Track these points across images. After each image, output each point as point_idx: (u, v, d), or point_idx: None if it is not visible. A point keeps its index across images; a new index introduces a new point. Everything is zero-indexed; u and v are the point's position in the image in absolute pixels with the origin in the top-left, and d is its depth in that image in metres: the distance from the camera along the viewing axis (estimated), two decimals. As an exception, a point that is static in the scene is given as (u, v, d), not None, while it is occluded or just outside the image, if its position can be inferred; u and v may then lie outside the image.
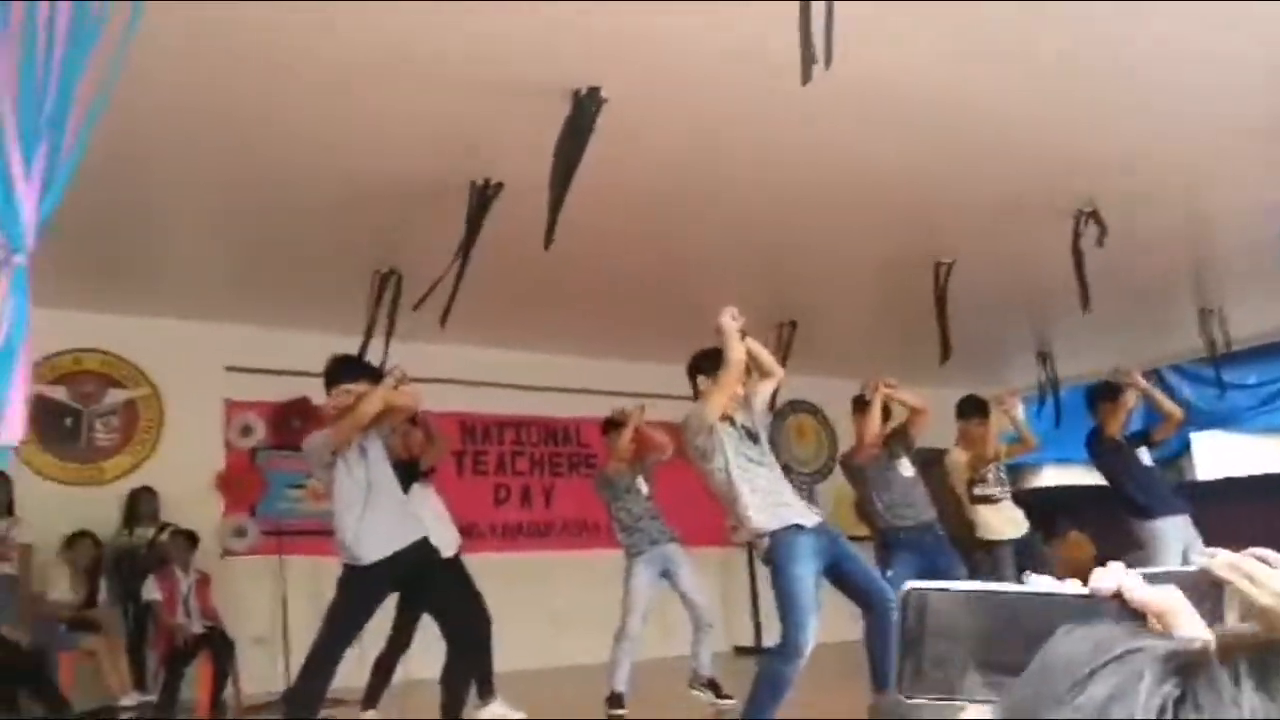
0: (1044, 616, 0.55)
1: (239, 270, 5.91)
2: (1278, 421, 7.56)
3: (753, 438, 3.87)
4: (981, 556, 5.58)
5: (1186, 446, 8.62)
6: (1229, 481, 7.58)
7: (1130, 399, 5.55)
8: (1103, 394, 5.60)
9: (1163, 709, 0.37)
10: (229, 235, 5.30)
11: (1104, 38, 3.51)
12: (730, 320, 3.71)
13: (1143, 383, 5.47)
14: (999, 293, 6.27)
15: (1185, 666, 0.39)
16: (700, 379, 4.01)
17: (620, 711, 5.09)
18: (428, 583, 4.12)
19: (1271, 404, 7.53)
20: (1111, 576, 0.55)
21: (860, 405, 5.18)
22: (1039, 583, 0.59)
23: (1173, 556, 5.00)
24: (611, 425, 5.48)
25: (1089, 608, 0.55)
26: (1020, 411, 5.57)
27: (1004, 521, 5.54)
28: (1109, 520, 5.76)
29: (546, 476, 7.82)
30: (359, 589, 3.89)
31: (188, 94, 3.69)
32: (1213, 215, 5.30)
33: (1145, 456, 5.63)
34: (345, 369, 4.10)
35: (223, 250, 5.56)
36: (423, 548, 4.02)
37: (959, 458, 5.64)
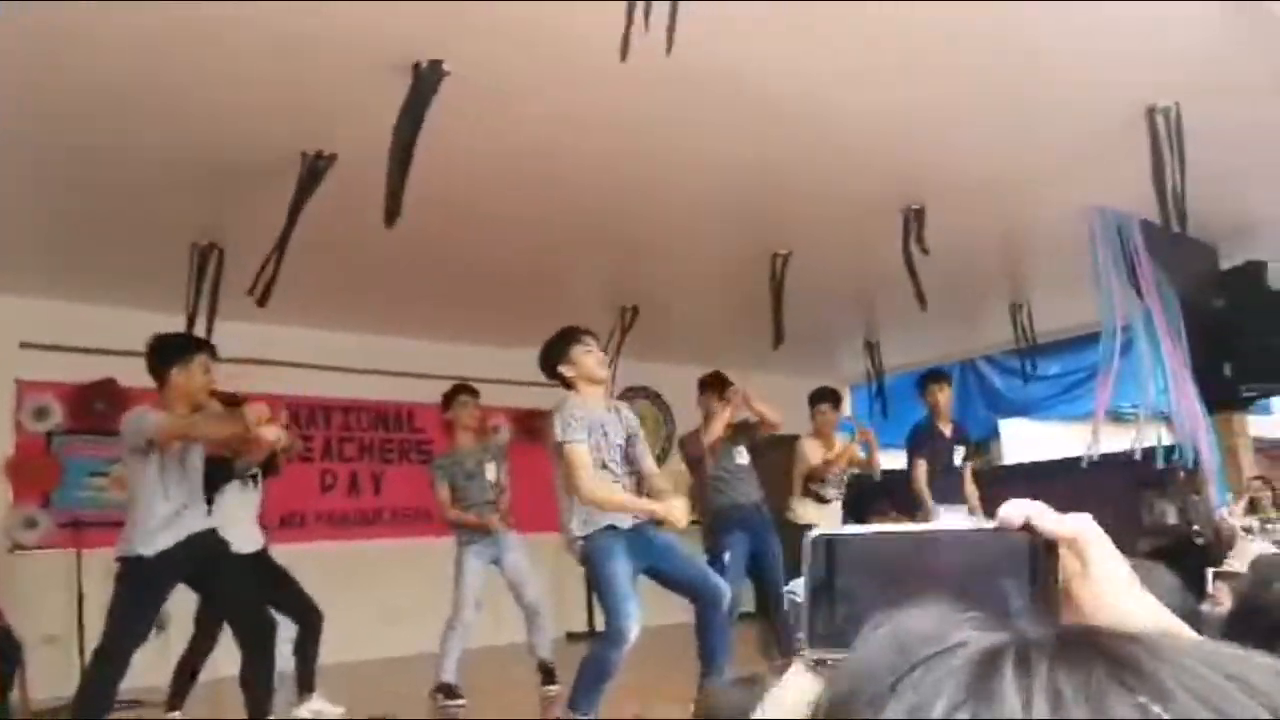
0: (952, 554, 0.54)
1: (39, 240, 5.40)
2: (1077, 410, 8.14)
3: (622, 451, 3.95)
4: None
5: (995, 432, 9.22)
6: (1033, 465, 8.11)
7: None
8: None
9: None
10: (29, 203, 4.82)
11: (945, 43, 3.63)
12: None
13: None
14: (830, 284, 6.46)
15: (985, 675, 0.33)
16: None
17: (454, 702, 4.99)
18: (216, 579, 3.99)
19: (1071, 393, 8.10)
20: (1020, 507, 0.53)
21: (706, 388, 5.35)
22: (947, 519, 0.56)
23: None
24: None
25: (997, 542, 0.53)
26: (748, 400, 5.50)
27: (823, 519, 5.74)
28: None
29: (376, 463, 7.56)
30: (136, 583, 3.74)
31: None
32: (1026, 218, 5.62)
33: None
34: (179, 347, 3.92)
35: (20, 219, 5.06)
36: (207, 541, 3.88)
37: (809, 446, 5.87)
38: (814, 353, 6.16)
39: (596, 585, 3.85)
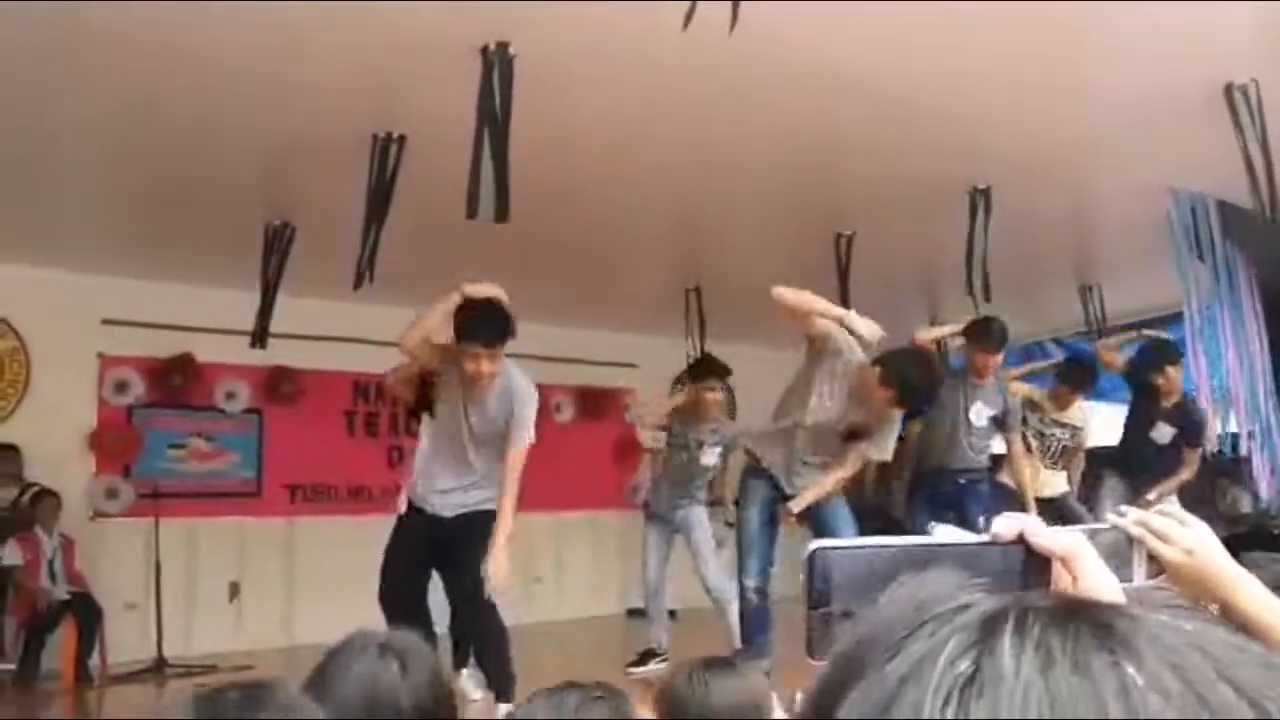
0: (948, 566, 0.55)
1: (119, 221, 5.59)
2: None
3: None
4: None
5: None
6: (1105, 450, 7.94)
7: None
8: None
9: (948, 697, 0.35)
10: (109, 184, 5.00)
11: (1014, 19, 3.56)
12: None
13: None
14: (895, 265, 6.39)
15: (986, 631, 0.37)
16: None
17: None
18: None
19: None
20: (1014, 521, 0.54)
21: None
22: (943, 533, 0.58)
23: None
24: None
25: (994, 555, 0.54)
26: None
27: None
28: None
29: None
30: None
31: (71, 37, 3.44)
32: (1097, 198, 5.50)
33: None
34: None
35: (101, 200, 5.24)
36: None
37: None
38: (877, 335, 6.12)
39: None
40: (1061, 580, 0.55)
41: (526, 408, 4.02)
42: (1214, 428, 5.25)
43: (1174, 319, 6.55)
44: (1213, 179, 4.82)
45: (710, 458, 5.59)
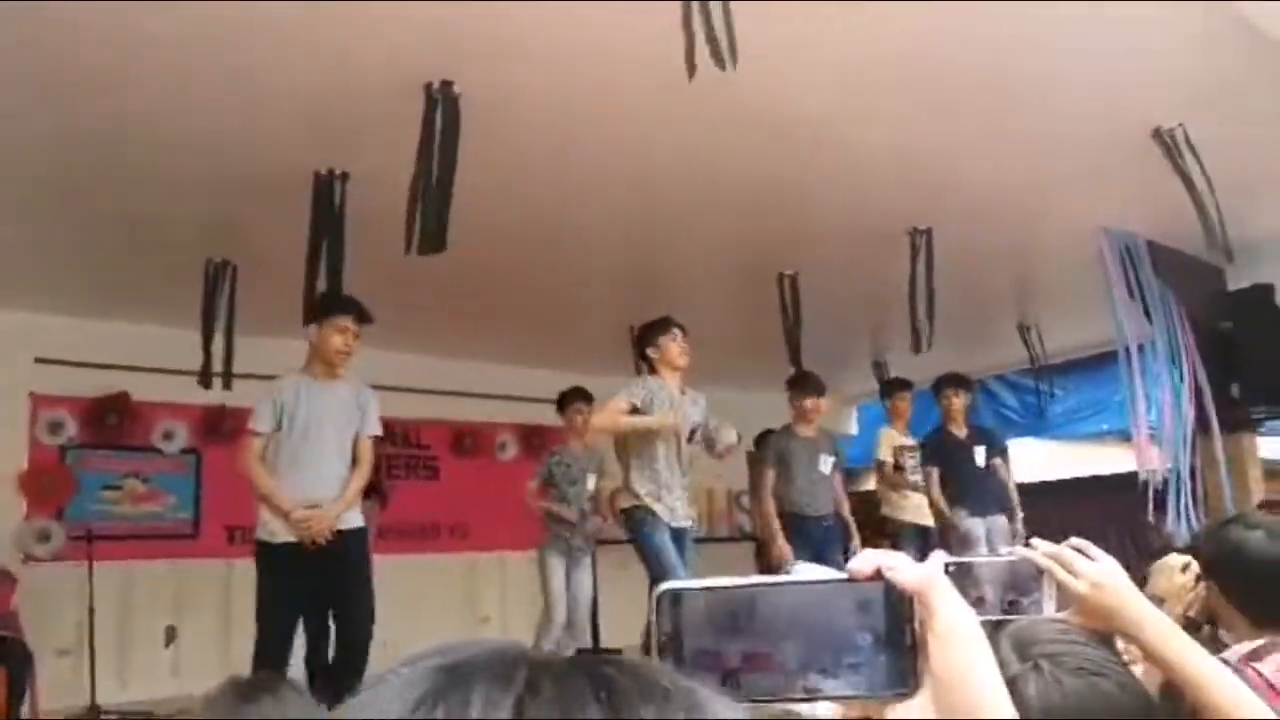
0: (802, 604, 0.55)
1: (52, 257, 5.46)
2: (1082, 430, 8.12)
3: None
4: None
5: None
6: (1041, 485, 8.08)
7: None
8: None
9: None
10: (42, 219, 4.89)
11: (953, 66, 3.66)
12: None
13: None
14: (838, 303, 6.47)
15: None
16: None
17: None
18: None
19: (1081, 413, 8.07)
20: (871, 558, 0.54)
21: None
22: (802, 570, 0.58)
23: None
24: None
25: (851, 591, 0.54)
26: None
27: None
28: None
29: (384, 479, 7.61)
30: None
31: (3, 66, 3.39)
32: (1034, 239, 5.63)
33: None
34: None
35: (34, 236, 5.12)
36: None
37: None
38: (821, 371, 6.18)
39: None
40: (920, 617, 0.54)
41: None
42: (1155, 461, 5.34)
43: (1109, 356, 6.75)
44: (1145, 219, 4.98)
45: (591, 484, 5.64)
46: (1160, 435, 5.16)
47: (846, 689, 0.53)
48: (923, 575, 0.54)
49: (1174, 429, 4.99)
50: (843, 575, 0.55)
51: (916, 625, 0.53)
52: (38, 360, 6.17)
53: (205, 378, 5.37)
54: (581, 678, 0.38)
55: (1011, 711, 0.52)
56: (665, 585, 0.56)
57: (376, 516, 5.95)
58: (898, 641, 0.53)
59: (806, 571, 0.58)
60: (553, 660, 0.40)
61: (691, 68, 2.82)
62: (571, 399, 5.76)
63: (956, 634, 0.53)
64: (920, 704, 0.52)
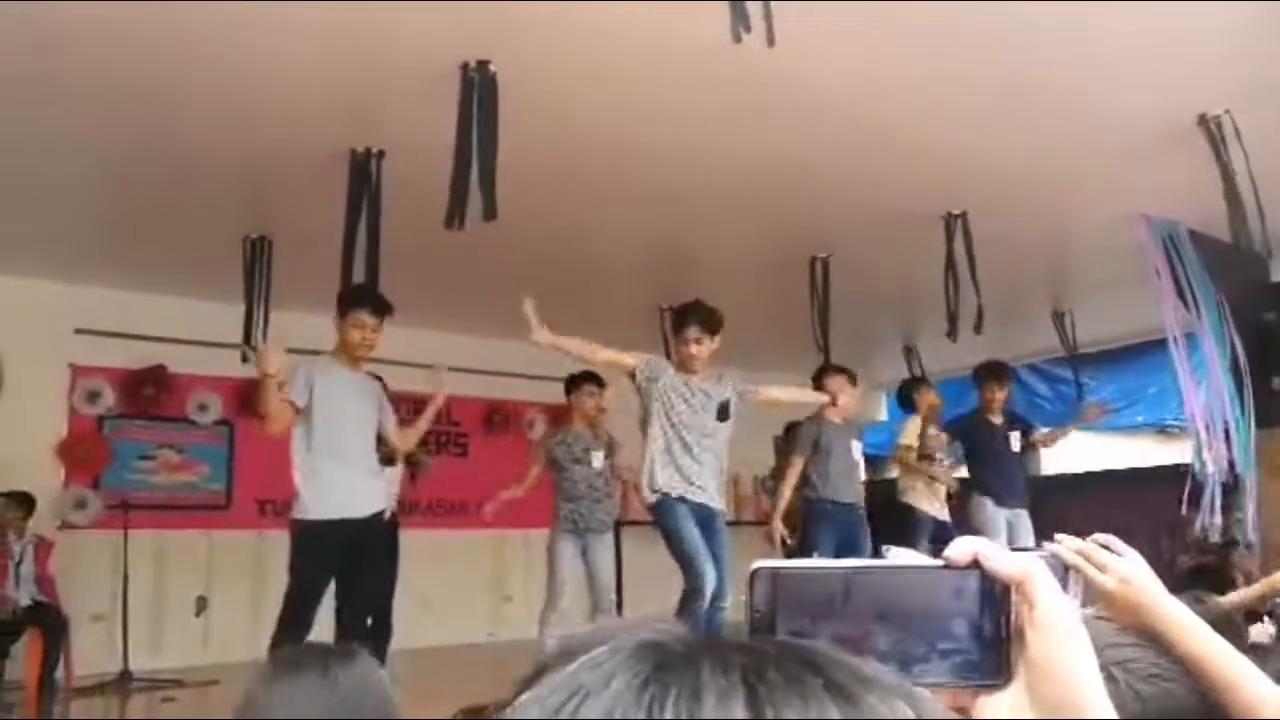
0: (897, 590, 0.54)
1: (93, 230, 5.55)
2: (1120, 421, 7.99)
3: None
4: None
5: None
6: (1077, 477, 7.99)
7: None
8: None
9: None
10: (84, 192, 4.96)
11: (992, 49, 3.60)
12: None
13: None
14: (870, 288, 6.42)
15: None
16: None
17: None
18: None
19: (1114, 404, 7.94)
20: (968, 545, 0.53)
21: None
22: (897, 555, 0.57)
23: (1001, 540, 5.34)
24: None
25: (946, 579, 0.53)
26: None
27: None
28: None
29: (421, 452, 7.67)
30: None
31: (50, 49, 3.44)
32: (1072, 225, 5.55)
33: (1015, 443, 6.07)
34: None
35: (75, 208, 5.20)
36: None
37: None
38: (852, 357, 6.13)
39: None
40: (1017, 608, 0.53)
41: None
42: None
43: (1144, 347, 6.63)
44: (1186, 207, 4.87)
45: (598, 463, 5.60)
46: (1214, 428, 5.05)
47: (938, 677, 0.51)
48: (1023, 565, 0.52)
49: (1220, 422, 4.88)
50: (938, 562, 0.54)
51: (1013, 616, 0.52)
52: (78, 331, 6.27)
53: (245, 352, 5.44)
54: (796, 665, 0.35)
55: (1110, 708, 0.50)
56: (760, 563, 0.54)
57: (423, 478, 6.16)
58: (992, 632, 0.52)
59: (900, 557, 0.56)
60: (759, 646, 0.37)
61: (736, 35, 2.79)
62: (582, 381, 5.72)
63: (1057, 626, 0.51)
64: (1012, 700, 0.51)
